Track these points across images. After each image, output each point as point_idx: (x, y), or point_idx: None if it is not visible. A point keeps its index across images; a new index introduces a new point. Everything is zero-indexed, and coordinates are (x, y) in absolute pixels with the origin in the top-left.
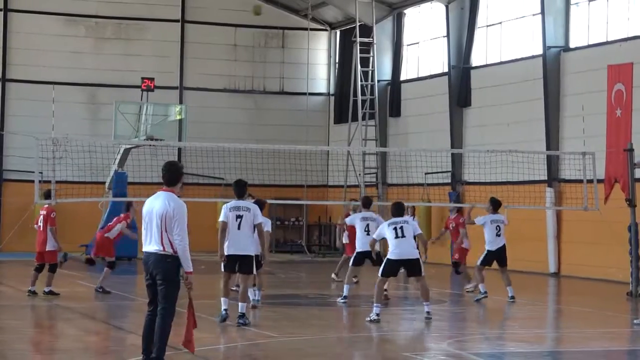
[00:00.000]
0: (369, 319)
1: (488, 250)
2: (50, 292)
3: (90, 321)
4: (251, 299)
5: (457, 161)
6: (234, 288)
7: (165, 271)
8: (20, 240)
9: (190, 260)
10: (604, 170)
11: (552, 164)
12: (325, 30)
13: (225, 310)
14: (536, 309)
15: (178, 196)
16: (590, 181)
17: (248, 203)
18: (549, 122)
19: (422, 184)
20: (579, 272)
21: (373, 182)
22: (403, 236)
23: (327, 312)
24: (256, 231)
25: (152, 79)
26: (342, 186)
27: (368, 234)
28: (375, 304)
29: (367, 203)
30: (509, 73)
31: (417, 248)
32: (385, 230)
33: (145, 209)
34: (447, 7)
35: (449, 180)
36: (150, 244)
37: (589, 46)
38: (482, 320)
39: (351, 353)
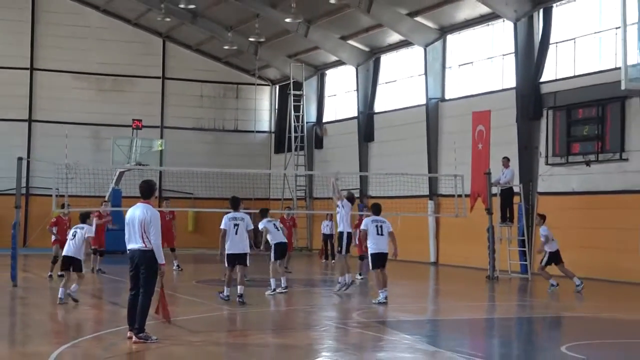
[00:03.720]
0: (375, 301)
1: None
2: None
3: (91, 298)
4: None
5: (364, 181)
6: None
7: (147, 261)
8: (42, 239)
9: (162, 254)
10: (469, 187)
11: (432, 183)
12: (268, 85)
13: (228, 295)
14: (420, 288)
15: (152, 206)
16: (460, 196)
17: (242, 214)
18: (430, 153)
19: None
20: (452, 261)
21: (303, 196)
22: (382, 234)
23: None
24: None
25: (140, 120)
26: (280, 199)
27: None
28: (380, 290)
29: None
30: (401, 117)
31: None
32: (369, 225)
33: (128, 216)
34: (357, 69)
35: (358, 195)
36: (134, 243)
37: (459, 98)
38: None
39: (283, 322)
